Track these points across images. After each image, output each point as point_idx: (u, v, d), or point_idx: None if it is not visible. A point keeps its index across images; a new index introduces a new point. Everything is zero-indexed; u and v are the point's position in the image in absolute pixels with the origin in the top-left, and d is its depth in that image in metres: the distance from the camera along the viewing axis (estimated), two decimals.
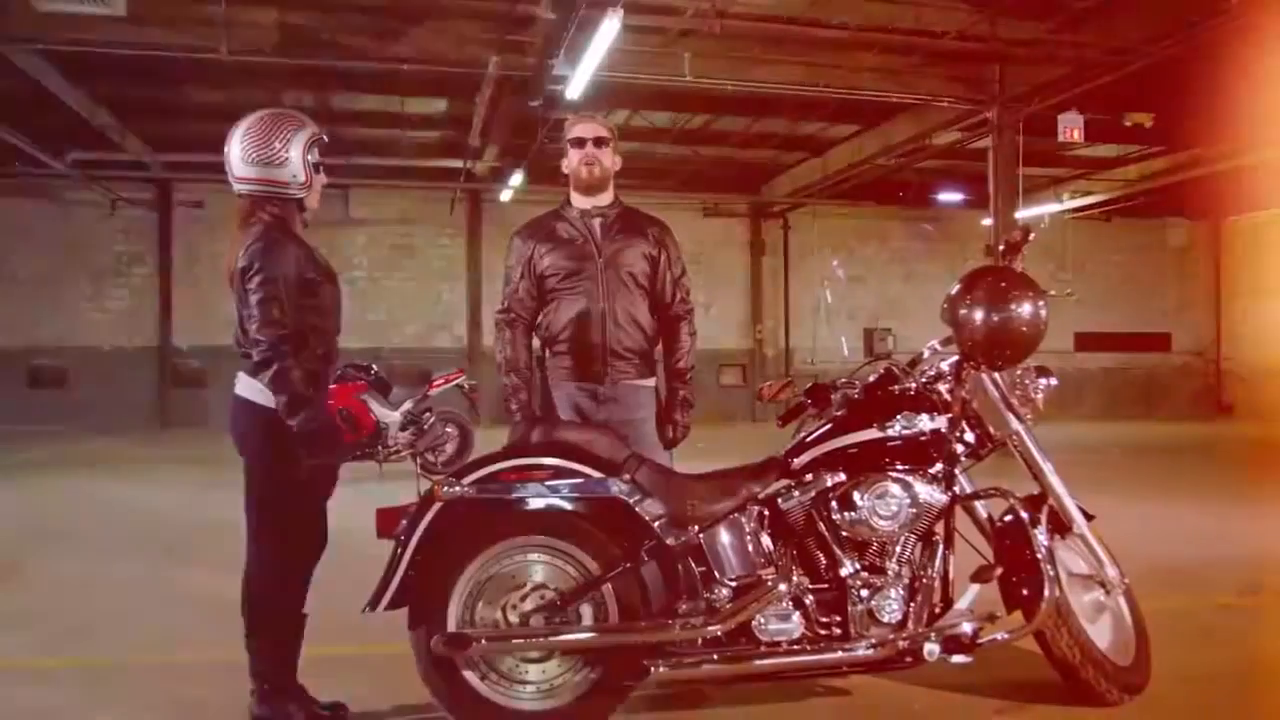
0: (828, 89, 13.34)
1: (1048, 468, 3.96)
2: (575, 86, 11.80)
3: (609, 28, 9.84)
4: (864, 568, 3.71)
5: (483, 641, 3.48)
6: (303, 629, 3.82)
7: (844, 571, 3.68)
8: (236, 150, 3.68)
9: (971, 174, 19.75)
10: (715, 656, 3.58)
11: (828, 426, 3.87)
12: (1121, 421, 22.39)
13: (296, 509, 3.76)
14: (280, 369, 3.53)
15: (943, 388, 3.89)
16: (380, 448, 10.98)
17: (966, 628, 3.68)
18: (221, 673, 4.38)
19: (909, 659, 3.65)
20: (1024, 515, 3.81)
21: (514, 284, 4.53)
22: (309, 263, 3.71)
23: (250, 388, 3.70)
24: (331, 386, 11.47)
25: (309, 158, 3.71)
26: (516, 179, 18.37)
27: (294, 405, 3.56)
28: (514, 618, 3.57)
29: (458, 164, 18.37)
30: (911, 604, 3.70)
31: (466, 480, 3.56)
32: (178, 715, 3.90)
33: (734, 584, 3.66)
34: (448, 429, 11.54)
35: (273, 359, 3.53)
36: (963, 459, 3.92)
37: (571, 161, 4.52)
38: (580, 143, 4.48)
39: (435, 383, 11.62)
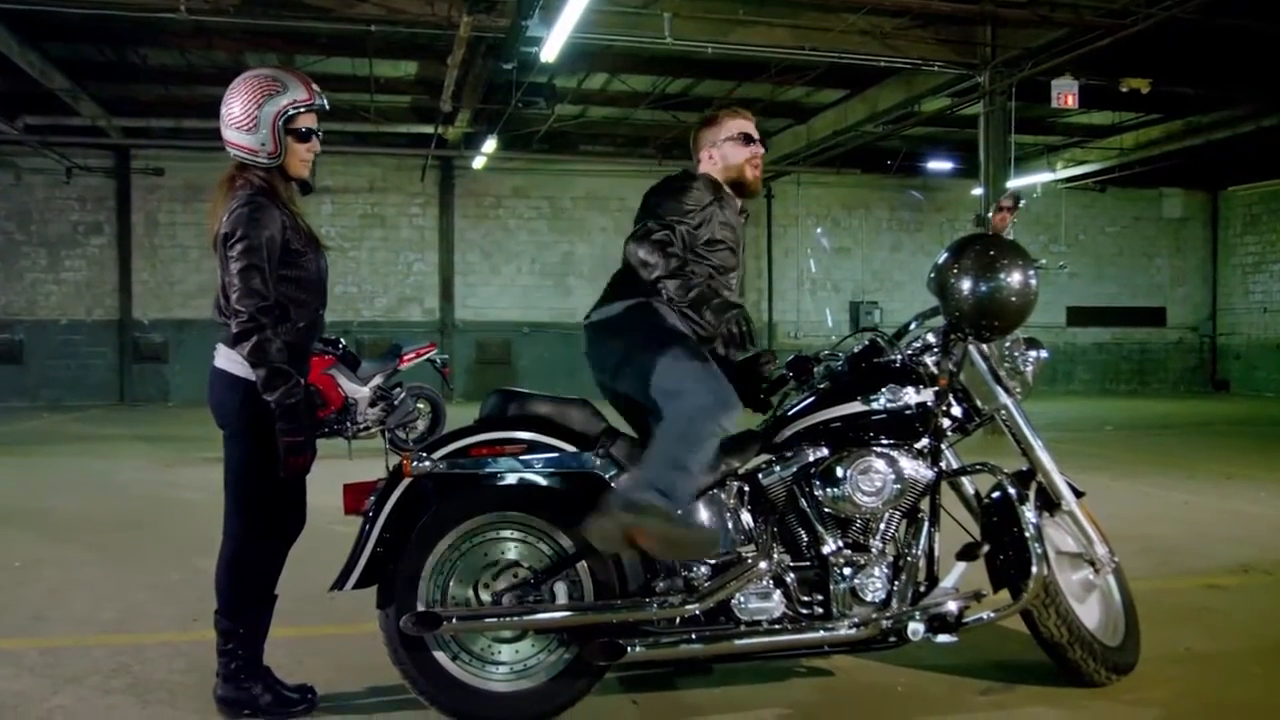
0: (813, 52, 13.29)
1: (1037, 443, 3.98)
2: (551, 48, 11.72)
3: None
4: (847, 545, 3.73)
5: (454, 621, 3.47)
6: (272, 608, 3.81)
7: (826, 549, 3.69)
8: (222, 111, 3.67)
9: (961, 142, 19.80)
10: (693, 636, 3.58)
11: (810, 400, 3.88)
12: (1114, 398, 22.54)
13: (276, 484, 3.71)
14: (259, 341, 3.51)
15: (929, 360, 3.90)
16: (349, 424, 10.94)
17: (952, 607, 3.71)
18: (182, 653, 4.38)
19: (893, 639, 3.67)
20: (1012, 491, 3.83)
21: (686, 222, 3.82)
22: (294, 232, 3.68)
23: (229, 359, 3.70)
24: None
25: (281, 124, 3.63)
26: (490, 145, 18.29)
27: (272, 379, 3.54)
28: (486, 596, 3.57)
29: (428, 130, 18.26)
30: (895, 582, 3.72)
31: (436, 455, 3.55)
32: (138, 697, 3.88)
33: (713, 562, 3.66)
34: (419, 404, 11.52)
35: (251, 331, 3.51)
36: (949, 433, 3.94)
37: (733, 158, 4.10)
38: (748, 140, 4.11)
39: (406, 357, 11.56)
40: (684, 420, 3.49)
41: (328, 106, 3.81)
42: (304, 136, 3.73)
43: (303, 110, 3.67)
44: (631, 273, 3.68)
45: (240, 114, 3.62)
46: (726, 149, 4.10)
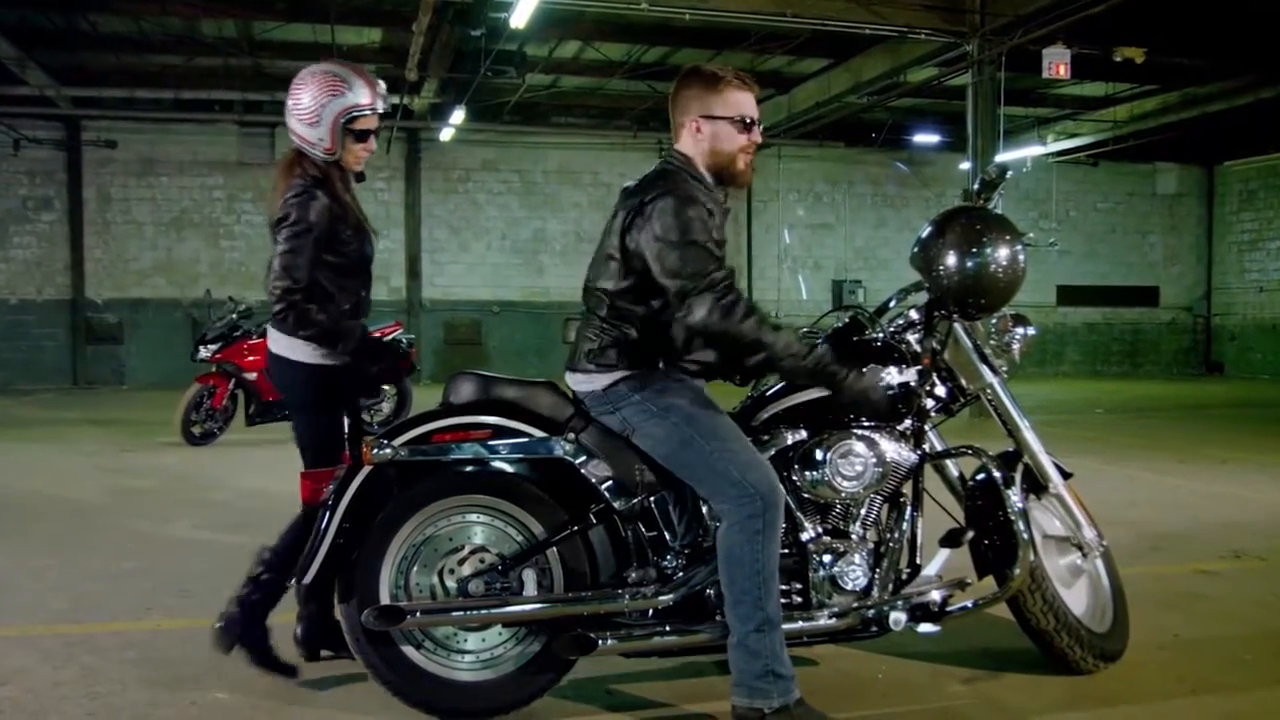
0: (795, 19, 13.28)
1: (1023, 423, 3.98)
2: (521, 14, 11.68)
3: None
4: (826, 532, 3.72)
5: (417, 615, 3.47)
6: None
7: (805, 536, 3.68)
8: (289, 101, 3.94)
9: (949, 114, 19.83)
10: (667, 628, 3.57)
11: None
12: (1105, 380, 22.68)
13: (338, 449, 3.97)
14: (297, 313, 3.78)
15: (912, 338, 3.89)
16: None
17: (935, 595, 3.72)
18: (134, 643, 4.37)
19: (874, 628, 3.68)
20: (997, 474, 3.82)
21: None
22: (342, 221, 3.91)
23: (280, 343, 3.94)
24: (258, 341, 11.42)
25: (342, 123, 3.88)
26: (458, 116, 18.22)
27: (326, 339, 3.83)
28: (452, 583, 3.56)
29: (394, 100, 18.15)
30: (877, 570, 3.73)
31: (398, 441, 3.53)
32: (87, 687, 3.87)
33: (687, 550, 3.66)
34: (384, 387, 11.49)
35: (285, 308, 3.77)
36: (933, 414, 3.94)
37: (727, 144, 3.59)
38: (747, 125, 3.63)
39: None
40: (746, 545, 3.39)
41: (388, 109, 4.07)
42: (361, 137, 3.97)
43: (365, 113, 3.92)
44: (618, 328, 3.58)
45: (306, 108, 3.88)
46: (720, 130, 3.57)
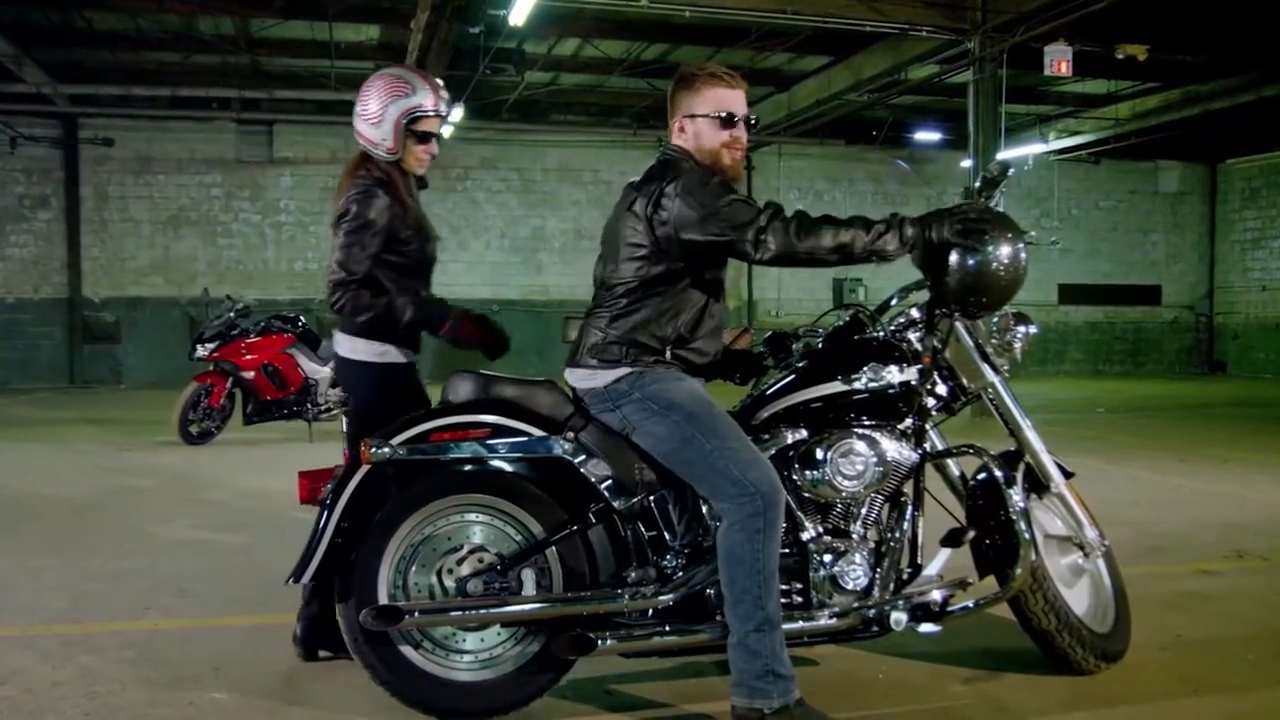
0: (795, 16, 13.25)
1: (1025, 422, 3.98)
2: (519, 11, 11.68)
3: None
4: (827, 531, 3.72)
5: (416, 615, 3.47)
6: None
7: (805, 535, 3.68)
8: (357, 105, 4.06)
9: (950, 111, 19.83)
10: (667, 628, 3.58)
11: (788, 379, 3.87)
12: (1107, 379, 22.69)
13: None
14: (352, 300, 3.88)
15: (913, 336, 3.89)
16: (309, 405, 10.92)
17: (936, 595, 3.72)
18: (133, 643, 4.37)
19: (875, 628, 3.68)
20: (998, 473, 3.81)
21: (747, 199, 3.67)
22: (402, 221, 3.99)
23: (345, 345, 4.06)
24: (255, 340, 11.42)
25: (404, 125, 3.97)
26: (456, 114, 18.18)
27: (393, 311, 3.90)
28: (450, 583, 3.56)
29: None
30: (878, 570, 3.73)
31: (396, 440, 3.53)
32: (86, 687, 3.87)
33: (687, 550, 3.66)
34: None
35: (340, 297, 3.89)
36: (934, 413, 3.94)
37: (708, 141, 3.65)
38: (728, 120, 3.64)
39: None
40: (746, 544, 3.39)
41: (452, 114, 4.05)
42: (423, 138, 4.06)
43: (427, 115, 4.02)
44: (628, 320, 3.60)
45: (371, 110, 3.98)
46: (701, 127, 3.64)
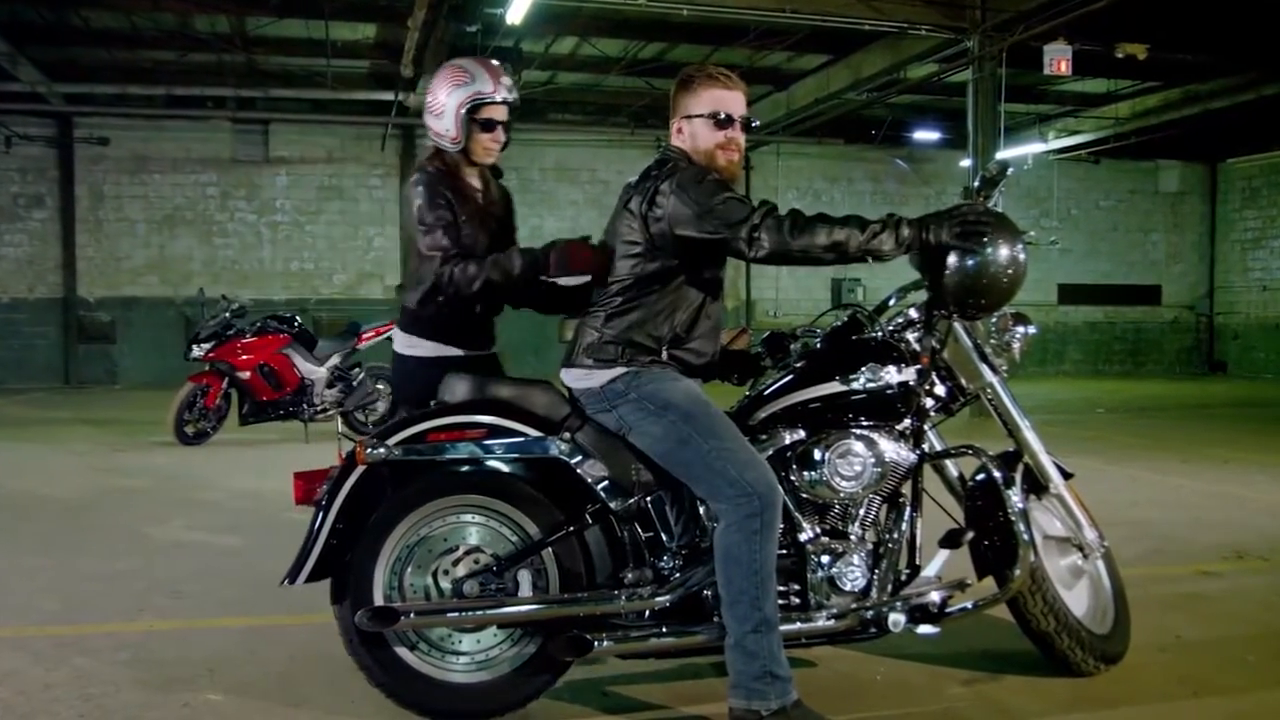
0: (794, 15, 13.24)
1: (1024, 423, 3.97)
2: (516, 10, 11.68)
3: None
4: (825, 532, 3.72)
5: (411, 616, 3.46)
6: None
7: (803, 536, 3.68)
8: (426, 99, 4.09)
9: (949, 111, 19.83)
10: (663, 629, 3.57)
11: (786, 379, 3.86)
12: (1106, 379, 22.69)
13: None
14: (463, 275, 3.82)
15: (911, 337, 3.88)
16: (305, 405, 10.93)
17: (934, 596, 3.72)
18: (127, 644, 4.37)
19: (873, 630, 3.67)
20: (997, 474, 3.81)
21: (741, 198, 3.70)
22: (462, 210, 3.98)
23: (400, 341, 4.12)
24: (251, 340, 11.42)
25: (464, 113, 3.96)
26: None
27: (501, 270, 3.81)
28: (446, 584, 3.56)
29: (388, 96, 18.16)
30: (876, 571, 3.72)
31: (392, 441, 3.53)
32: (80, 689, 3.87)
33: (684, 551, 3.66)
34: (379, 386, 11.48)
35: (450, 277, 3.84)
36: (932, 414, 3.94)
37: (703, 141, 3.66)
38: (724, 121, 3.66)
39: (365, 336, 11.53)
40: (743, 545, 3.39)
41: (515, 101, 4.07)
42: (486, 126, 4.02)
43: (487, 102, 3.98)
44: (623, 320, 3.62)
45: (438, 102, 4.01)
46: (698, 127, 3.66)
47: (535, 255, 3.77)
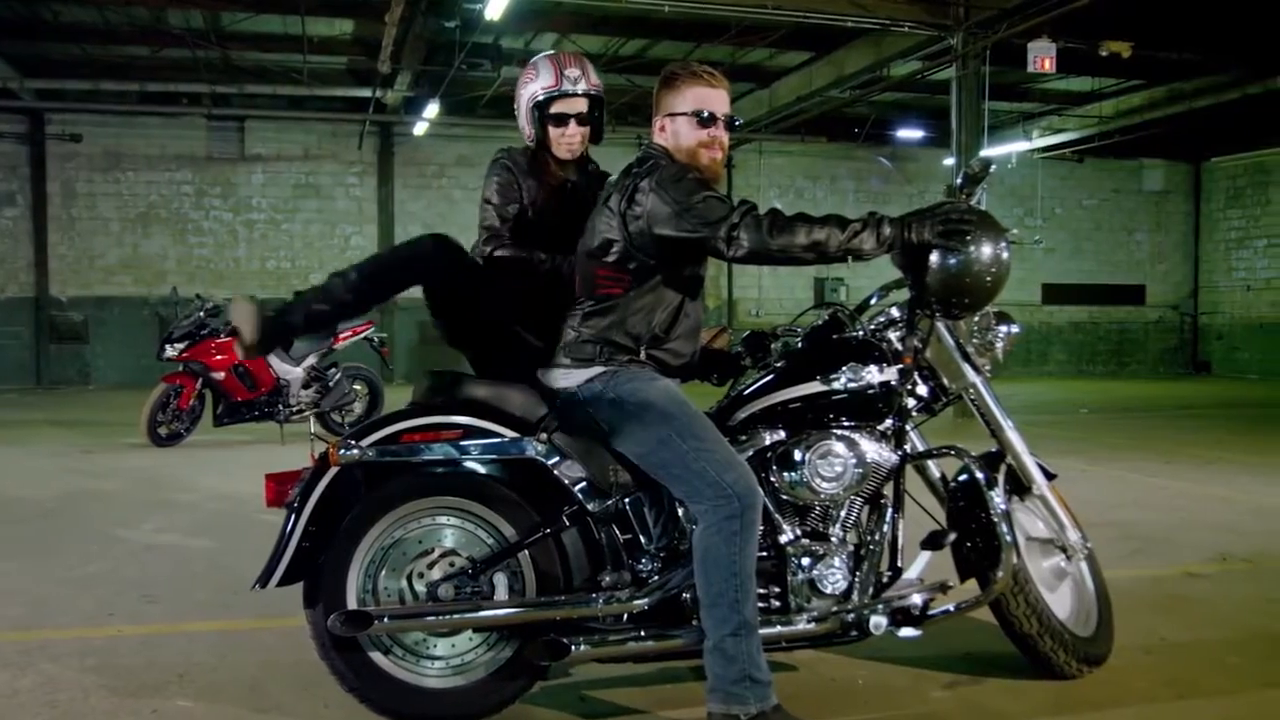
0: (776, 12, 13.27)
1: (1006, 423, 3.96)
2: (495, 6, 11.66)
3: None
4: (805, 534, 3.70)
5: (385, 620, 3.44)
6: None
7: (783, 538, 3.66)
8: None
9: (933, 108, 19.88)
10: (641, 633, 3.55)
11: (766, 379, 3.85)
12: (1090, 380, 22.79)
13: None
14: (499, 245, 4.02)
15: (893, 336, 3.88)
16: (281, 406, 10.87)
17: (916, 599, 3.71)
18: (95, 650, 4.33)
19: (854, 633, 3.65)
20: (980, 475, 3.81)
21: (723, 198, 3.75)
22: (531, 200, 4.06)
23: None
24: (226, 339, 11.36)
25: (532, 109, 4.01)
26: (432, 110, 18.18)
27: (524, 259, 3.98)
28: (421, 588, 3.54)
29: (366, 93, 18.13)
30: (857, 573, 3.71)
31: (365, 442, 3.51)
32: (47, 696, 3.83)
33: (662, 553, 3.64)
34: (355, 386, 11.47)
35: (490, 245, 4.06)
36: (914, 414, 3.93)
37: (685, 139, 3.65)
38: (706, 119, 3.64)
39: (342, 335, 11.47)
40: (722, 546, 3.37)
41: (588, 90, 4.03)
42: (558, 121, 4.02)
43: (555, 96, 3.98)
44: (601, 319, 3.61)
45: (516, 100, 4.10)
46: (680, 125, 3.65)
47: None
